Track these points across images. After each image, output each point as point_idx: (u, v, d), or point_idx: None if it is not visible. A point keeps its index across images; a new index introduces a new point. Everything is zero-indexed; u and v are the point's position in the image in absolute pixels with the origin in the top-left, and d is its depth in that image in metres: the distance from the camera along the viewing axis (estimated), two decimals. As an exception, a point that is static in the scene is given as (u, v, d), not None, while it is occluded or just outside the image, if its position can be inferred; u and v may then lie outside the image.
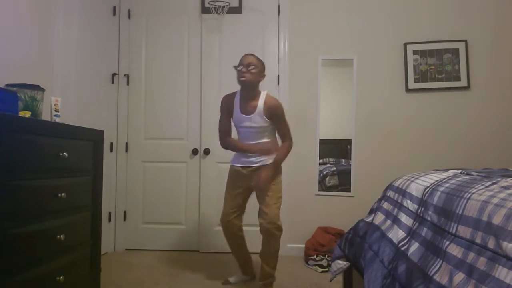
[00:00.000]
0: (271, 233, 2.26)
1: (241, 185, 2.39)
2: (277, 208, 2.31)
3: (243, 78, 2.25)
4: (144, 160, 3.38)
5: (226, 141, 2.46)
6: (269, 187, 2.28)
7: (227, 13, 3.28)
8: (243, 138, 2.39)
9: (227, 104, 2.41)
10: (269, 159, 2.33)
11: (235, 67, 2.32)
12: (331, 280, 2.01)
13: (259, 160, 2.35)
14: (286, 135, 2.38)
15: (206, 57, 3.35)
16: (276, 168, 2.32)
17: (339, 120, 3.31)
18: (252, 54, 2.33)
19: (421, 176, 1.55)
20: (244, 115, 2.31)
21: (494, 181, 1.13)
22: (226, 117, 2.44)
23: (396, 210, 1.57)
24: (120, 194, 3.36)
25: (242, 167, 2.38)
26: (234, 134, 2.55)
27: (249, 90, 2.31)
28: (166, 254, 3.20)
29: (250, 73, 2.25)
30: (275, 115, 2.31)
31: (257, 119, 2.29)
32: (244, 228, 3.02)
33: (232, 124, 2.46)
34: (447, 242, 1.07)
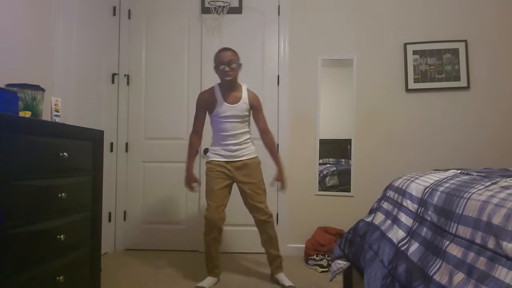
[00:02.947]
0: (267, 222, 2.46)
1: (226, 178, 2.44)
2: (265, 200, 2.49)
3: (229, 78, 2.37)
4: (144, 160, 3.38)
5: (195, 139, 2.53)
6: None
7: (227, 13, 3.28)
8: (225, 130, 2.42)
9: (206, 100, 2.47)
10: (252, 153, 2.49)
11: (215, 68, 2.41)
12: (331, 280, 2.01)
13: (243, 154, 2.44)
14: (266, 128, 2.53)
15: (206, 57, 3.34)
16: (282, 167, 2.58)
17: (339, 120, 3.31)
18: (227, 49, 2.41)
19: (421, 176, 1.55)
20: (229, 104, 2.41)
21: (494, 181, 1.13)
22: (203, 112, 2.51)
23: (396, 210, 1.57)
24: (120, 194, 3.36)
25: (226, 161, 2.45)
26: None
27: (233, 83, 2.44)
28: (166, 254, 3.20)
29: (233, 70, 2.38)
30: (256, 107, 2.49)
31: (242, 108, 2.42)
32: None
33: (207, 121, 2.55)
34: (447, 242, 1.07)
